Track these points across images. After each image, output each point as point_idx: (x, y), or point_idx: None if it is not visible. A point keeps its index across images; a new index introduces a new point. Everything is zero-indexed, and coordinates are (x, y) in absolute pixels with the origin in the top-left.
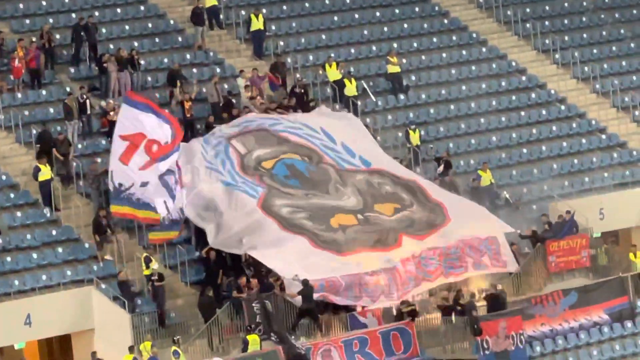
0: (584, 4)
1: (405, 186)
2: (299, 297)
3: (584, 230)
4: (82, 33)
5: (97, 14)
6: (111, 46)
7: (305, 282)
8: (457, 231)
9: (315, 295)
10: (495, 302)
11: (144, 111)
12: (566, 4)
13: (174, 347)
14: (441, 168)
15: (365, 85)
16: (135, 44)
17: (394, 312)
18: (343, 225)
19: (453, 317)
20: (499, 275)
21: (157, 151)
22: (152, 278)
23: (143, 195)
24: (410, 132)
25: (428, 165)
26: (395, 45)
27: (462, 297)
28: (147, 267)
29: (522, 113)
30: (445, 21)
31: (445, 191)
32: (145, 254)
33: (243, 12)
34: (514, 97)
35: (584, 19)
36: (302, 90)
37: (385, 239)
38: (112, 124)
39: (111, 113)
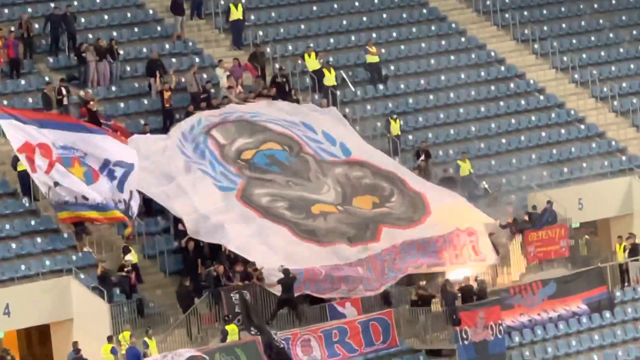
0: None
1: (386, 177)
2: (279, 287)
3: (562, 220)
4: (61, 23)
5: (75, 3)
6: (90, 36)
7: (286, 272)
8: (438, 224)
9: (297, 293)
10: (468, 293)
11: (19, 121)
12: None
13: (144, 338)
14: (422, 158)
15: (345, 75)
16: (114, 33)
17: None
18: (324, 212)
19: (439, 306)
20: (478, 265)
21: (48, 153)
22: (125, 269)
23: (68, 195)
24: (391, 121)
25: (407, 155)
26: (374, 35)
27: (450, 286)
28: (124, 255)
29: (501, 103)
30: (424, 11)
31: (426, 181)
32: (124, 244)
33: (222, 2)
34: (492, 87)
35: (562, 9)
36: (284, 80)
37: (364, 233)
38: (92, 113)
39: (91, 103)
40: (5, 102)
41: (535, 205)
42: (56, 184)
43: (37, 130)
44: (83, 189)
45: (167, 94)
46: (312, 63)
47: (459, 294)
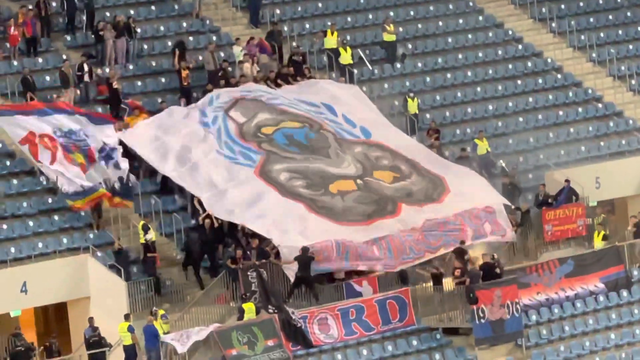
0: None
1: (404, 159)
2: (295, 265)
3: (580, 199)
4: (76, 1)
5: None
6: (107, 14)
7: (304, 250)
8: (456, 203)
9: (315, 268)
10: (490, 271)
11: (19, 114)
12: None
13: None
14: (433, 138)
15: (362, 54)
16: (132, 11)
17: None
18: (342, 191)
19: (451, 285)
20: (495, 244)
21: (51, 141)
22: (151, 249)
23: (70, 186)
24: (409, 100)
25: (424, 133)
26: (391, 13)
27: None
28: (144, 234)
29: (519, 82)
30: None
31: (445, 161)
32: (142, 222)
33: None
34: (510, 66)
35: None
36: (301, 58)
37: (384, 208)
38: (114, 91)
39: (114, 82)
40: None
41: (544, 184)
42: (60, 174)
43: (39, 119)
44: (82, 178)
45: (184, 73)
46: (331, 41)
47: (481, 272)
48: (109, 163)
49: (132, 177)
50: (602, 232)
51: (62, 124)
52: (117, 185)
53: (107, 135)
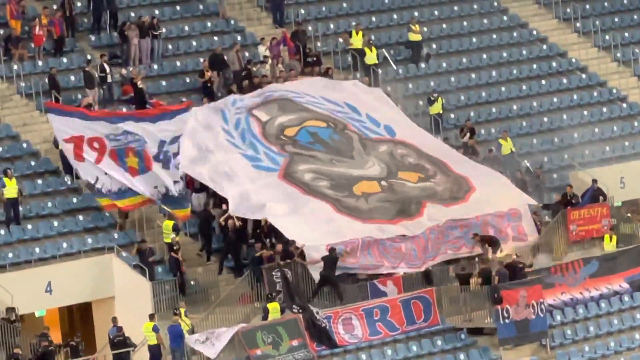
0: None
1: (429, 159)
2: (320, 263)
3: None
4: (102, 1)
5: None
6: (132, 14)
7: (332, 250)
8: (481, 205)
9: (338, 272)
10: (516, 271)
11: (70, 116)
12: None
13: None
14: (467, 137)
15: (387, 54)
16: (156, 11)
17: (452, 273)
18: (366, 193)
19: (497, 276)
20: (520, 244)
21: (101, 146)
22: (175, 248)
23: (113, 184)
24: (433, 100)
25: (448, 133)
26: (416, 13)
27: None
28: (176, 234)
29: (543, 82)
30: None
31: (470, 161)
32: (173, 222)
33: None
34: (534, 66)
35: None
36: (315, 59)
37: (408, 209)
38: (139, 90)
39: (139, 82)
40: (47, 81)
41: (571, 185)
42: (105, 173)
43: (85, 125)
44: (130, 180)
45: (208, 73)
46: (357, 41)
47: (507, 272)
48: (169, 165)
49: (181, 185)
50: (615, 237)
51: (113, 126)
52: (172, 191)
53: (162, 129)
